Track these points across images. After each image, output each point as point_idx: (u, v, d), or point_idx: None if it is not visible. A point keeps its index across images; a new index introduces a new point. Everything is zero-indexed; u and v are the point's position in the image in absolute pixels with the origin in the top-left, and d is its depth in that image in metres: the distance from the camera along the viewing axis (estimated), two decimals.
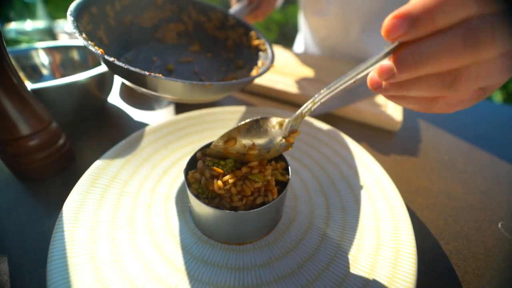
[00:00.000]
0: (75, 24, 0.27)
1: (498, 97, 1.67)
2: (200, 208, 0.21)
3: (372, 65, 0.16)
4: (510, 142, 0.41)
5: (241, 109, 0.38)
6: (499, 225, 0.27)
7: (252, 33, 0.39)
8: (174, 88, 0.25)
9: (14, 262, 0.22)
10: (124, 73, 0.26)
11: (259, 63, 0.36)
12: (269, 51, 0.36)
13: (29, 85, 0.30)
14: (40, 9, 0.62)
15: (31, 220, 0.25)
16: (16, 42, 0.52)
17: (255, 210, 0.20)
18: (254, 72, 0.35)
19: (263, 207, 0.20)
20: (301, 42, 0.79)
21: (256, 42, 0.38)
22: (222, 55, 0.41)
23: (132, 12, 0.36)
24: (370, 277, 0.19)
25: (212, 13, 0.41)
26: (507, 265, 0.24)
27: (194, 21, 0.41)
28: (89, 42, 0.26)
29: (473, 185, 0.32)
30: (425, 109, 0.18)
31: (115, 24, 0.34)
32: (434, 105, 0.17)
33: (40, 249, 0.23)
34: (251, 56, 0.39)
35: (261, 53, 0.37)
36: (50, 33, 0.63)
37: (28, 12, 0.60)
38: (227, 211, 0.20)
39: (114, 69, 0.27)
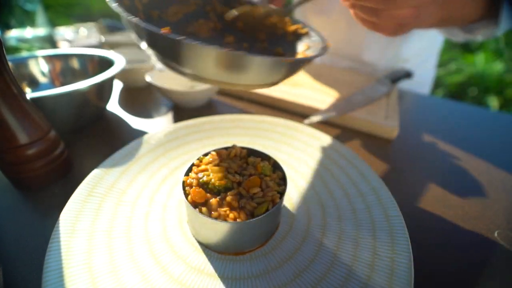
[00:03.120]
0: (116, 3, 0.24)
1: (494, 103, 1.69)
2: (197, 218, 0.21)
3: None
4: (506, 150, 0.41)
5: (239, 117, 0.38)
6: (496, 234, 0.27)
7: (286, 19, 0.36)
8: (221, 60, 0.20)
9: (10, 271, 0.22)
10: (159, 41, 0.21)
11: (304, 46, 0.33)
12: (312, 32, 0.33)
13: (29, 94, 0.30)
14: (40, 17, 0.62)
15: (27, 229, 0.25)
16: (17, 49, 0.52)
17: (252, 220, 0.20)
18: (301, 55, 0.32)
19: (260, 216, 0.20)
20: None
21: (292, 27, 0.35)
22: (257, 46, 0.37)
23: (157, 6, 0.34)
24: (367, 287, 0.19)
25: (237, 3, 0.38)
26: (505, 274, 0.24)
27: (218, 15, 0.38)
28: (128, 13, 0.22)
29: (473, 196, 0.32)
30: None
31: (145, 18, 0.32)
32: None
33: (36, 258, 0.22)
34: (289, 42, 0.35)
35: (301, 37, 0.34)
36: (50, 41, 0.63)
37: (28, 20, 0.61)
38: (224, 221, 0.20)
39: (148, 39, 0.22)
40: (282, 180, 0.24)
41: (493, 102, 1.70)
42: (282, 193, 0.22)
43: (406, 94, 0.58)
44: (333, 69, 0.62)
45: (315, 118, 0.41)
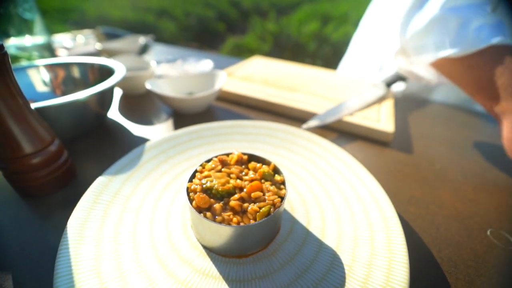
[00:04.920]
0: None
1: None
2: (202, 222, 0.22)
3: None
4: (498, 151, 0.43)
5: (238, 123, 0.39)
6: (488, 233, 0.28)
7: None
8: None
9: (18, 279, 0.22)
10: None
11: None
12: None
13: (33, 104, 0.30)
14: (39, 25, 0.63)
15: (34, 237, 0.26)
16: (16, 58, 0.52)
17: (255, 223, 0.21)
18: None
19: (262, 220, 0.21)
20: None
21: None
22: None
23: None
24: (365, 286, 0.20)
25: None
26: (496, 271, 0.25)
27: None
28: None
29: (463, 194, 0.34)
30: None
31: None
32: None
33: (44, 265, 0.23)
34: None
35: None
36: (49, 49, 0.64)
37: (26, 28, 0.61)
38: (228, 225, 0.21)
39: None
40: (282, 184, 0.25)
41: None
42: (283, 197, 0.23)
43: (401, 97, 0.59)
44: (329, 73, 0.64)
45: (313, 123, 0.42)
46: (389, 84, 0.54)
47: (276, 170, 0.26)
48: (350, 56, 0.79)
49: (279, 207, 0.22)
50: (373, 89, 0.52)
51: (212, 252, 0.23)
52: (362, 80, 0.60)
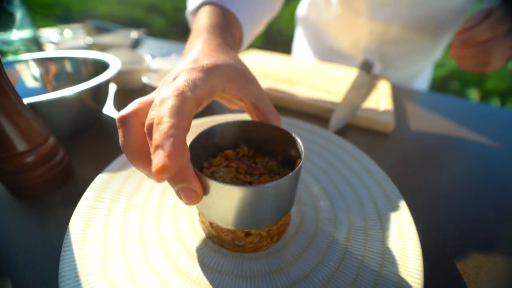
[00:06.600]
0: None
1: (474, 95, 1.77)
2: (212, 187, 0.19)
3: None
4: (497, 138, 0.44)
5: (241, 117, 0.38)
6: (491, 219, 0.29)
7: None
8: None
9: (20, 282, 0.21)
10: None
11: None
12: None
13: (26, 99, 0.29)
14: (25, 19, 0.60)
15: (33, 239, 0.25)
16: (2, 53, 0.50)
17: (270, 184, 0.18)
18: None
19: (279, 180, 0.18)
20: (302, 51, 0.79)
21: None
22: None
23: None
24: (380, 275, 0.20)
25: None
26: (501, 256, 0.25)
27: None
28: None
29: (465, 181, 0.34)
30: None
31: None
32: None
33: (47, 268, 0.22)
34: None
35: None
36: (36, 43, 0.61)
37: (12, 22, 0.58)
38: (242, 186, 0.18)
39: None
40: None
41: (474, 94, 1.78)
42: (299, 157, 0.22)
43: (399, 89, 0.60)
44: (325, 66, 0.63)
45: (335, 126, 0.41)
46: (368, 70, 0.55)
47: (292, 142, 0.25)
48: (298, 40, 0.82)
49: (298, 167, 0.20)
50: (360, 78, 0.53)
51: (221, 225, 0.21)
52: (346, 69, 0.61)
